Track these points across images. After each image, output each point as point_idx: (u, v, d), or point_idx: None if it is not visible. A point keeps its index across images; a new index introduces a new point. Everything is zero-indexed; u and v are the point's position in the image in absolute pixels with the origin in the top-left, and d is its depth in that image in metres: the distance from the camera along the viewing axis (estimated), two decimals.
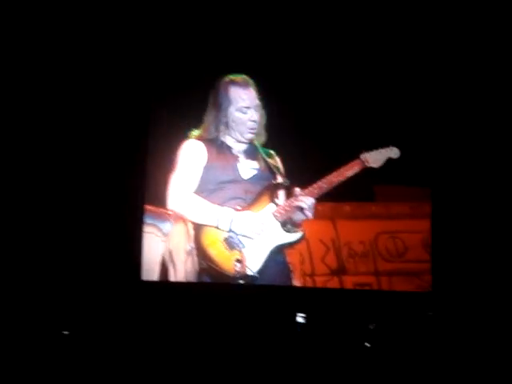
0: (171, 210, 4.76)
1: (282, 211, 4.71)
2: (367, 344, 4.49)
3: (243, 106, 4.73)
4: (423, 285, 4.83)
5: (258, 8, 4.93)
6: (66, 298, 4.79)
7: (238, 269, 4.61)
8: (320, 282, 4.87)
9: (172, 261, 4.76)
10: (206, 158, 4.74)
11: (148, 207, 4.86)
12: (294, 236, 4.74)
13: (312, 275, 4.87)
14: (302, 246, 4.85)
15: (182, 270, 4.75)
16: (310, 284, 4.86)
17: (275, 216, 4.71)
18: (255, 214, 4.70)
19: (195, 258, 4.72)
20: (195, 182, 4.73)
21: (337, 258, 4.88)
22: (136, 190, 4.94)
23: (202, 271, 4.68)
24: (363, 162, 4.75)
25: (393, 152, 4.77)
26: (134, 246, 4.85)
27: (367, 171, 4.79)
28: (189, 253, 4.74)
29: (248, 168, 4.78)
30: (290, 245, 4.75)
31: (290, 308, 4.77)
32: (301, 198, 4.67)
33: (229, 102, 4.72)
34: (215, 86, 4.80)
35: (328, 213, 4.88)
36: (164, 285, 4.81)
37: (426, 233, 4.87)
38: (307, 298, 4.84)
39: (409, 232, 4.89)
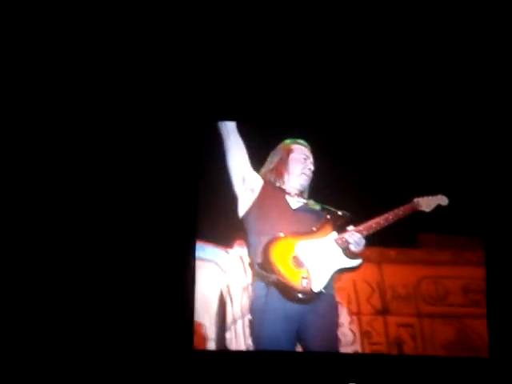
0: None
1: (340, 241, 5.16)
2: None
3: (303, 157, 5.34)
4: (464, 328, 5.16)
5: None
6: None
7: (304, 285, 5.04)
8: (365, 320, 5.22)
9: (229, 294, 5.18)
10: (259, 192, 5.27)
11: (206, 243, 5.28)
12: (355, 262, 5.18)
13: (358, 314, 5.22)
14: (350, 287, 5.23)
15: (238, 304, 5.16)
16: (356, 322, 5.21)
17: (337, 243, 5.16)
18: (318, 241, 5.18)
19: (250, 294, 5.14)
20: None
21: (381, 299, 5.24)
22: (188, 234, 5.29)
23: (267, 286, 5.08)
24: (416, 205, 5.24)
25: (442, 199, 5.27)
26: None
27: (413, 218, 5.23)
28: (245, 289, 5.16)
29: (296, 201, 5.28)
30: (351, 269, 5.18)
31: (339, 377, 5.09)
32: (349, 233, 5.15)
33: (291, 159, 5.34)
34: (277, 148, 5.39)
35: (374, 257, 5.26)
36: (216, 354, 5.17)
37: (466, 279, 5.25)
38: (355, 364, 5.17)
39: (450, 278, 5.26)
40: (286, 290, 5.06)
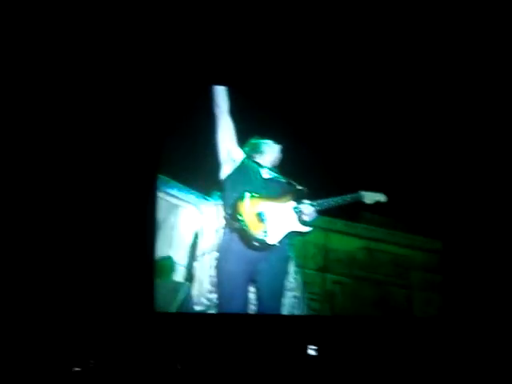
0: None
1: (296, 209, 6.29)
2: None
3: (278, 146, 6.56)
4: (387, 293, 6.38)
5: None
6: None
7: (261, 236, 6.16)
8: (308, 274, 6.43)
9: (202, 233, 6.39)
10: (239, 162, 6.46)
11: (192, 189, 6.46)
12: (305, 229, 6.30)
13: (303, 267, 6.42)
14: (300, 245, 6.42)
15: (209, 242, 6.35)
16: (300, 274, 6.39)
17: (294, 211, 6.29)
18: (279, 205, 6.31)
19: (220, 235, 6.30)
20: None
21: (324, 259, 6.47)
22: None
23: (233, 231, 6.21)
24: (360, 197, 6.40)
25: (382, 197, 6.45)
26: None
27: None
28: (215, 231, 6.37)
29: (268, 173, 6.43)
30: (301, 234, 6.31)
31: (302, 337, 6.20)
32: (305, 206, 6.31)
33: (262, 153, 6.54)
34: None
35: (323, 224, 6.49)
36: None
37: (396, 255, 6.49)
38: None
39: (383, 252, 6.50)
40: (245, 237, 6.18)
